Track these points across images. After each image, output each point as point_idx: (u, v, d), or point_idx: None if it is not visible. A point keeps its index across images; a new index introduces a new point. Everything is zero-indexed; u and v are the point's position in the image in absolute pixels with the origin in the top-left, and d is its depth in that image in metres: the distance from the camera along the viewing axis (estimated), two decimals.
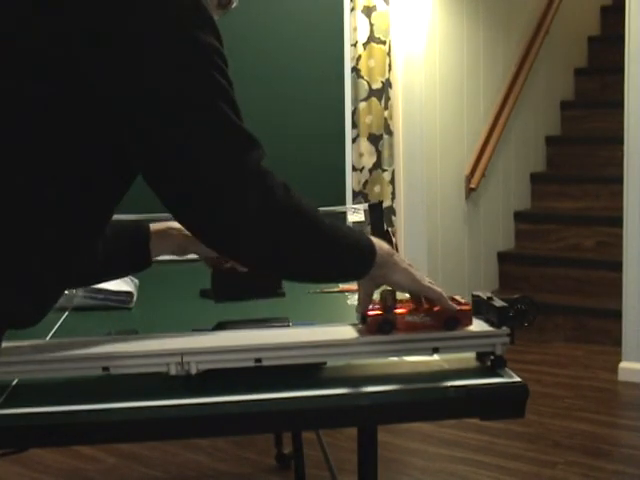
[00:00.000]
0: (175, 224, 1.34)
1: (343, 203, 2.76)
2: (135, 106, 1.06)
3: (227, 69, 1.11)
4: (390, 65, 3.97)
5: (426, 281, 1.23)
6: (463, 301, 1.25)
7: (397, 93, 4.08)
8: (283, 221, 1.11)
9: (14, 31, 1.08)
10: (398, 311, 1.22)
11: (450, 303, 1.23)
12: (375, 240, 1.20)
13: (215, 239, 1.12)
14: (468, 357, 1.28)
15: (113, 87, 1.06)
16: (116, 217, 1.27)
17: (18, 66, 1.08)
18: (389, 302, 1.23)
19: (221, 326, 1.46)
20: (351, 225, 2.48)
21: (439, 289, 1.23)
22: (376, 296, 1.26)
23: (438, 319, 1.22)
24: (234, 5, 1.31)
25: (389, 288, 1.24)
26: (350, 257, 1.18)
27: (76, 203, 1.13)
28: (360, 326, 1.25)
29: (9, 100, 1.08)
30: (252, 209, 1.08)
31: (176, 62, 1.07)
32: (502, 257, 4.90)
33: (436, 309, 1.23)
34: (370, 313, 1.22)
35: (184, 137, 1.07)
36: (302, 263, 1.16)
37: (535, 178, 5.18)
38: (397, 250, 2.64)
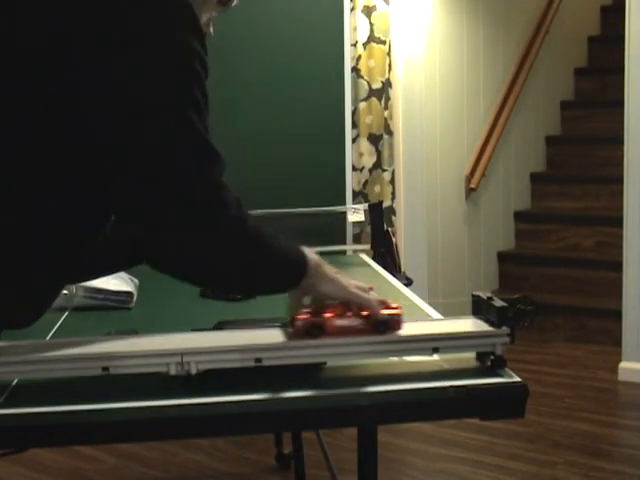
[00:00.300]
0: None
1: (343, 203, 2.76)
2: (118, 104, 1.07)
3: (206, 78, 1.11)
4: (390, 65, 3.97)
5: (353, 288, 1.24)
6: (394, 305, 1.25)
7: (397, 93, 4.08)
8: (230, 236, 1.12)
9: (14, 31, 1.08)
10: (327, 315, 1.22)
11: (378, 309, 1.22)
12: (306, 251, 1.22)
13: (157, 242, 1.11)
14: (468, 357, 1.28)
15: (109, 86, 1.06)
16: None
17: (18, 66, 1.08)
18: (319, 306, 1.23)
19: (221, 326, 1.46)
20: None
21: (367, 295, 1.23)
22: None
23: (368, 323, 1.22)
24: (234, 3, 1.31)
25: None
26: (285, 272, 1.20)
27: (76, 203, 1.13)
28: (290, 330, 1.24)
29: (9, 100, 1.08)
30: (202, 220, 1.09)
31: (167, 65, 1.07)
32: (502, 257, 4.90)
33: (365, 313, 1.23)
34: (299, 317, 1.22)
35: (151, 137, 1.07)
36: (240, 276, 1.17)
37: (535, 178, 5.18)
38: (397, 250, 2.65)
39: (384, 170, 3.98)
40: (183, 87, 1.09)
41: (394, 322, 1.23)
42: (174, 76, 1.08)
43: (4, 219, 1.09)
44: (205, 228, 1.09)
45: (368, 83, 3.93)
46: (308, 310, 1.24)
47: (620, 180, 3.73)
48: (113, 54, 1.05)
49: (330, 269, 1.24)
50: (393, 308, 1.25)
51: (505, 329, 1.23)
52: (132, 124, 1.07)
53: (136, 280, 1.92)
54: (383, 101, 3.95)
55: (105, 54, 1.05)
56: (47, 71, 1.07)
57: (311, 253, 1.22)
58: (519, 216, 5.03)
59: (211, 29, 1.31)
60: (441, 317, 1.53)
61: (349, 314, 1.23)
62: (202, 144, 1.10)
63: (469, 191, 4.60)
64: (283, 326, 1.28)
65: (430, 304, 1.77)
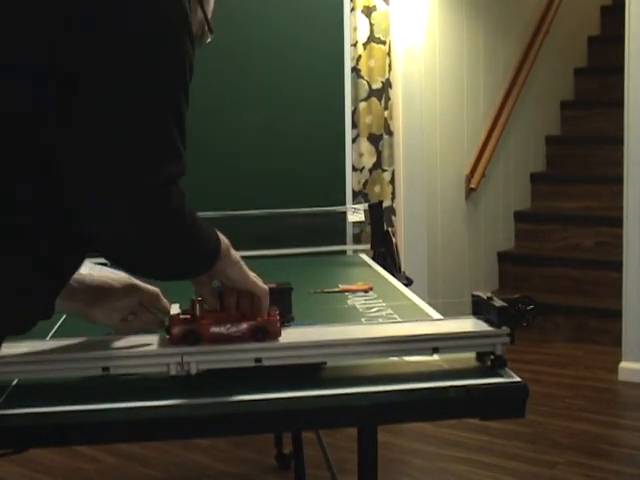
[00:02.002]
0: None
1: (343, 203, 2.76)
2: (96, 89, 1.05)
3: (191, 79, 1.12)
4: (390, 65, 3.97)
5: (252, 277, 1.24)
6: (273, 313, 1.24)
7: (397, 93, 4.08)
8: (165, 229, 1.11)
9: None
10: (203, 322, 1.21)
11: (267, 303, 1.23)
12: (218, 234, 1.21)
13: (95, 223, 1.09)
14: (468, 357, 1.28)
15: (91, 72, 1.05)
16: None
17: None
18: (196, 312, 1.22)
19: None
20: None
21: (265, 287, 1.24)
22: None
23: (245, 330, 1.21)
24: (207, 40, 1.31)
25: (199, 298, 1.23)
26: (202, 259, 1.19)
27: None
28: (167, 337, 1.22)
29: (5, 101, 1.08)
30: (144, 210, 1.07)
31: (154, 61, 1.07)
32: (502, 257, 4.90)
33: (243, 320, 1.21)
34: (175, 324, 1.21)
35: (119, 127, 1.05)
36: (163, 263, 1.15)
37: (535, 178, 5.18)
38: (397, 250, 2.65)
39: (384, 170, 3.98)
40: (166, 85, 1.08)
41: (272, 329, 1.22)
42: (159, 73, 1.07)
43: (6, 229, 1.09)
44: (144, 218, 1.08)
45: (368, 83, 3.93)
46: (185, 316, 1.22)
47: (620, 180, 3.73)
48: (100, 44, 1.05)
49: (235, 254, 1.23)
50: (271, 315, 1.23)
51: (505, 329, 1.23)
52: (107, 110, 1.05)
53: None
54: (383, 101, 3.95)
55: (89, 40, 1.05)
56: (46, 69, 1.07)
57: (221, 236, 1.22)
58: (519, 216, 5.03)
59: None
60: (441, 317, 1.53)
61: (225, 320, 1.21)
62: (167, 142, 1.09)
63: (469, 191, 4.60)
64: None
65: (430, 304, 1.77)
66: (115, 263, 1.15)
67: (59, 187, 1.08)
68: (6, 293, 1.09)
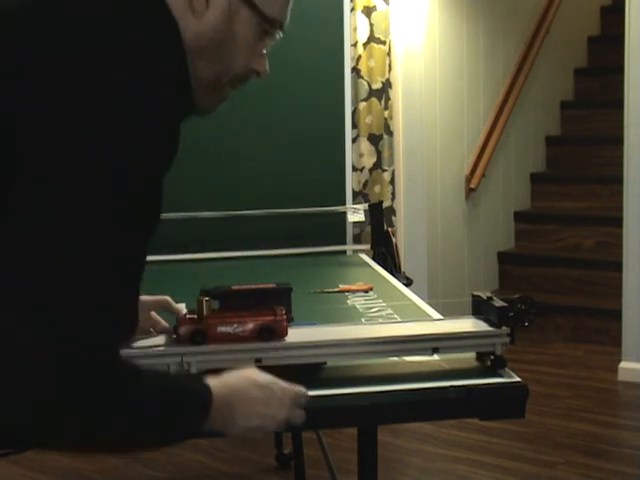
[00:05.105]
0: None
1: (343, 203, 2.76)
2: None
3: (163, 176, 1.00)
4: (390, 65, 3.97)
5: (286, 406, 1.09)
6: (279, 312, 1.23)
7: (397, 93, 4.08)
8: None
9: None
10: (210, 322, 1.20)
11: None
12: (214, 385, 1.04)
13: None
14: (468, 357, 1.28)
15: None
16: None
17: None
18: (203, 312, 1.22)
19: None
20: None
21: (301, 389, 1.12)
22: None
23: (252, 330, 1.20)
24: (277, 37, 1.25)
25: (206, 298, 1.21)
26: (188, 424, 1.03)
27: None
28: (174, 336, 1.22)
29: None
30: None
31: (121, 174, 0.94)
32: (502, 257, 4.90)
33: (249, 320, 1.20)
34: (182, 324, 1.21)
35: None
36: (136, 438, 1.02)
37: (535, 178, 5.18)
38: (397, 250, 2.65)
39: (384, 170, 3.98)
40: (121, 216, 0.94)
41: (279, 328, 1.21)
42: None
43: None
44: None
45: (368, 83, 3.93)
46: (192, 316, 1.22)
47: (620, 180, 3.73)
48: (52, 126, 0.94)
49: (247, 392, 1.07)
50: (278, 314, 1.23)
51: (505, 329, 1.23)
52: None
53: None
54: (383, 101, 3.95)
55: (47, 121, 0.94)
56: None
57: (223, 383, 1.06)
58: (519, 216, 5.03)
59: (267, 66, 1.23)
60: (441, 317, 1.53)
61: (231, 320, 1.21)
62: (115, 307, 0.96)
63: (469, 191, 4.60)
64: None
65: (430, 304, 1.77)
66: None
67: None
68: None
